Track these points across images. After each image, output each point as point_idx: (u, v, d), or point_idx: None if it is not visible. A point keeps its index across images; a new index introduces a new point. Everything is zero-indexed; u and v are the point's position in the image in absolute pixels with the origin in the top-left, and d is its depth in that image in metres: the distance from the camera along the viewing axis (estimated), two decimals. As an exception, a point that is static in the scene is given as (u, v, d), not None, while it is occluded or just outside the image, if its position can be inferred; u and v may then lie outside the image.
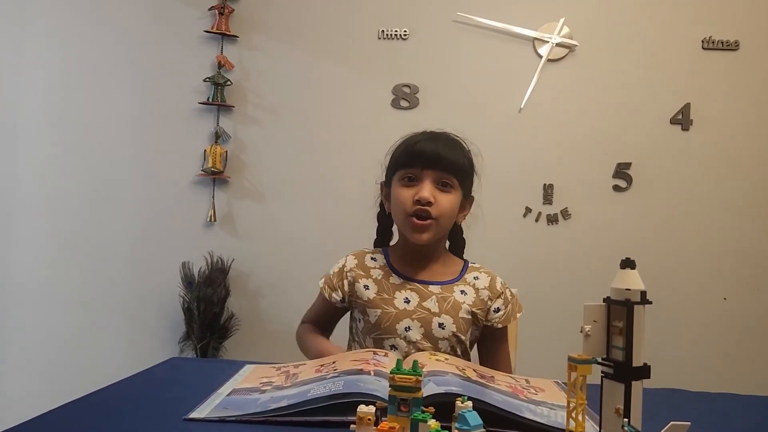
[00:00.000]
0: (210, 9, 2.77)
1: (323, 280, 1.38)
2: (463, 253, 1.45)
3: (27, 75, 2.86)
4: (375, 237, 1.48)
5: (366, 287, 1.32)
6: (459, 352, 1.29)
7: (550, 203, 2.69)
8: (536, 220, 2.69)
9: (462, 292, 1.32)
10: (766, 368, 2.58)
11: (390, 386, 0.74)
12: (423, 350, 1.24)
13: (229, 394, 0.94)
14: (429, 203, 1.24)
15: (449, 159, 1.26)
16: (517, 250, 2.67)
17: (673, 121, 2.66)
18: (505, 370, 1.28)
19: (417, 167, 1.26)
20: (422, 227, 1.25)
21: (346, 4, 2.78)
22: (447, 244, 1.41)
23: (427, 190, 1.24)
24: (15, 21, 2.86)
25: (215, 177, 2.76)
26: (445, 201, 1.26)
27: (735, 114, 2.65)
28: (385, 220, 1.45)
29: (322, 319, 1.42)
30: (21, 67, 2.86)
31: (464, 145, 1.34)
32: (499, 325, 1.33)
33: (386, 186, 1.36)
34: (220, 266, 2.70)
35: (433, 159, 1.25)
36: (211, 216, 2.75)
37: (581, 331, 0.72)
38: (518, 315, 1.38)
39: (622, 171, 2.67)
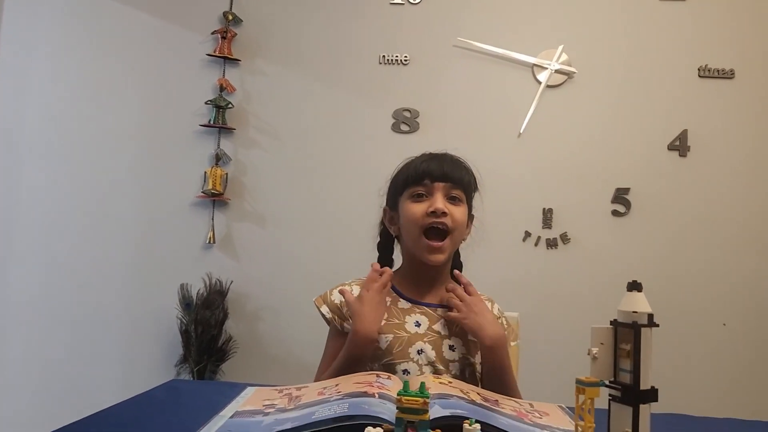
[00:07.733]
0: (213, 33, 2.80)
1: (327, 310, 1.32)
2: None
3: (29, 96, 2.88)
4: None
5: None
6: (467, 375, 1.27)
7: (550, 227, 2.70)
8: (536, 245, 2.70)
9: None
10: None
11: (397, 408, 0.73)
12: (437, 372, 1.23)
13: (231, 417, 0.93)
14: (444, 213, 1.25)
15: (456, 174, 1.29)
16: (516, 274, 2.67)
17: (671, 147, 2.68)
18: (513, 394, 1.23)
19: (426, 183, 1.27)
20: (438, 248, 1.26)
21: (347, 29, 2.82)
22: None
23: (440, 201, 1.26)
24: (20, 44, 2.89)
25: (215, 199, 2.76)
26: (458, 213, 1.28)
27: (731, 140, 2.67)
28: (386, 249, 1.44)
29: None
30: (23, 88, 2.89)
31: (465, 163, 1.36)
32: None
33: (391, 210, 1.37)
34: (218, 288, 2.69)
35: (442, 174, 1.28)
36: (210, 238, 2.75)
37: (589, 354, 0.72)
38: (512, 343, 1.37)
39: (620, 196, 2.68)
